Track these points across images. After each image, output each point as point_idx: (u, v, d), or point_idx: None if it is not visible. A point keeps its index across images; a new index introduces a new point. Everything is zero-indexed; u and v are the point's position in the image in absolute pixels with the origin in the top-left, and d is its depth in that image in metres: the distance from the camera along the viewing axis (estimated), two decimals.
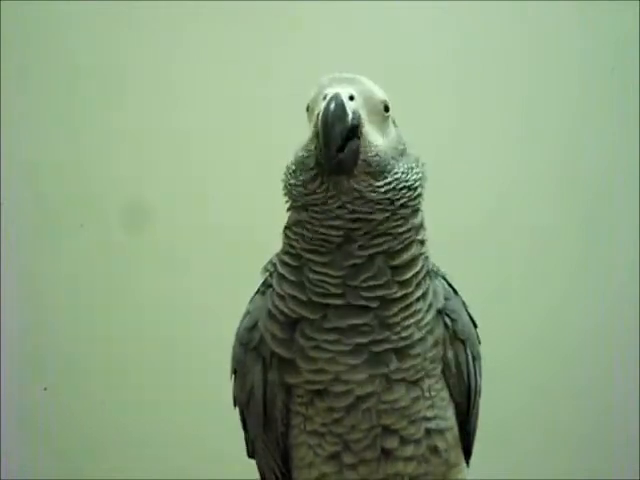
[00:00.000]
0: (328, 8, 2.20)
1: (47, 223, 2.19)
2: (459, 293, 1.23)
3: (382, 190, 1.06)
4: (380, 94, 1.11)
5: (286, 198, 1.14)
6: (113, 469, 2.15)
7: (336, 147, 1.01)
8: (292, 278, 1.11)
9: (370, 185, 1.05)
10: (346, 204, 1.05)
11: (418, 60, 2.23)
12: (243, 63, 2.19)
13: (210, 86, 2.20)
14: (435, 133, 2.11)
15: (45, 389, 2.17)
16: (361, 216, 1.06)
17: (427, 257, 1.15)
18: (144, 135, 2.19)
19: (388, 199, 1.06)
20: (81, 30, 2.19)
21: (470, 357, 1.22)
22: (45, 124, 2.18)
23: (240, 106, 2.18)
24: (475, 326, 1.26)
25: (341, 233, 1.06)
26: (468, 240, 2.19)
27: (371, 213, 1.06)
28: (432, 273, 1.17)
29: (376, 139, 1.07)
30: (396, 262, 1.08)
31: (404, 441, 1.13)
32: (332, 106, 1.00)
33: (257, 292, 1.21)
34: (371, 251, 1.07)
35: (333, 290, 1.07)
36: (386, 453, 1.13)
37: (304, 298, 1.09)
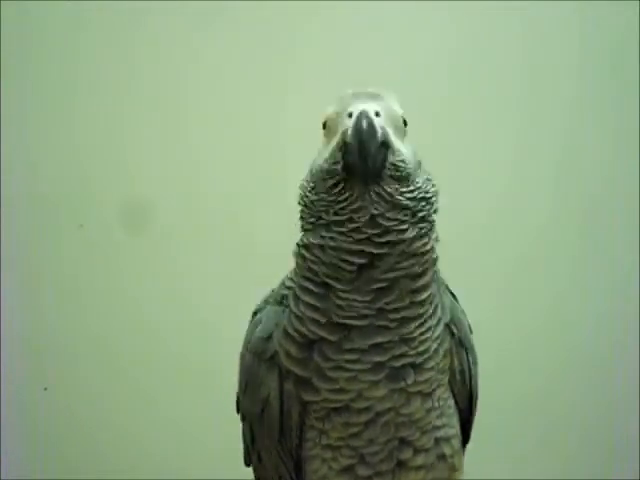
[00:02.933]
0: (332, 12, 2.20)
1: (46, 223, 2.19)
2: (458, 300, 1.24)
3: (408, 196, 1.07)
4: (399, 109, 1.12)
5: (299, 214, 1.13)
6: (113, 469, 2.15)
7: (372, 162, 1.03)
8: (317, 304, 1.10)
9: (397, 190, 1.06)
10: (376, 216, 1.05)
11: (418, 60, 2.23)
12: (244, 69, 2.19)
13: (211, 87, 2.20)
14: (435, 133, 2.11)
15: (45, 389, 2.17)
16: (391, 225, 1.05)
17: (438, 273, 1.16)
18: (144, 135, 2.19)
19: (410, 209, 1.07)
20: (81, 31, 2.19)
21: (472, 363, 1.25)
22: (45, 124, 2.18)
23: (243, 109, 2.18)
24: (470, 332, 1.27)
25: (363, 261, 1.06)
26: (467, 240, 2.19)
27: (401, 223, 1.06)
28: (442, 287, 1.19)
29: (400, 147, 1.09)
30: (417, 284, 1.09)
31: (417, 451, 1.15)
32: (364, 124, 1.03)
33: (267, 302, 1.21)
34: (394, 274, 1.07)
35: (364, 312, 1.08)
36: (400, 464, 1.15)
37: (323, 320, 1.09)
